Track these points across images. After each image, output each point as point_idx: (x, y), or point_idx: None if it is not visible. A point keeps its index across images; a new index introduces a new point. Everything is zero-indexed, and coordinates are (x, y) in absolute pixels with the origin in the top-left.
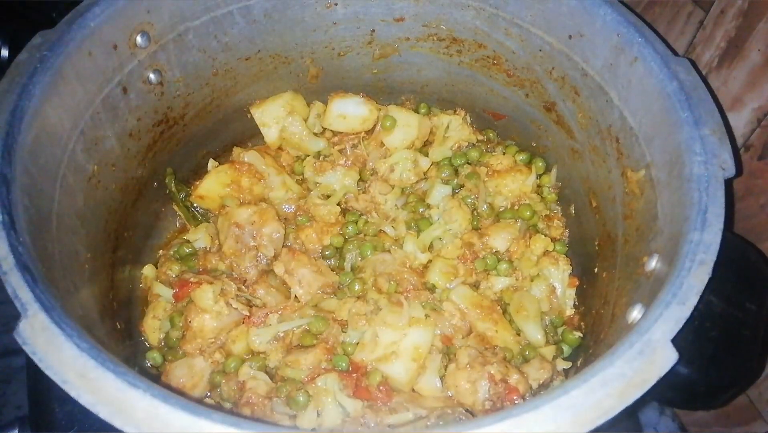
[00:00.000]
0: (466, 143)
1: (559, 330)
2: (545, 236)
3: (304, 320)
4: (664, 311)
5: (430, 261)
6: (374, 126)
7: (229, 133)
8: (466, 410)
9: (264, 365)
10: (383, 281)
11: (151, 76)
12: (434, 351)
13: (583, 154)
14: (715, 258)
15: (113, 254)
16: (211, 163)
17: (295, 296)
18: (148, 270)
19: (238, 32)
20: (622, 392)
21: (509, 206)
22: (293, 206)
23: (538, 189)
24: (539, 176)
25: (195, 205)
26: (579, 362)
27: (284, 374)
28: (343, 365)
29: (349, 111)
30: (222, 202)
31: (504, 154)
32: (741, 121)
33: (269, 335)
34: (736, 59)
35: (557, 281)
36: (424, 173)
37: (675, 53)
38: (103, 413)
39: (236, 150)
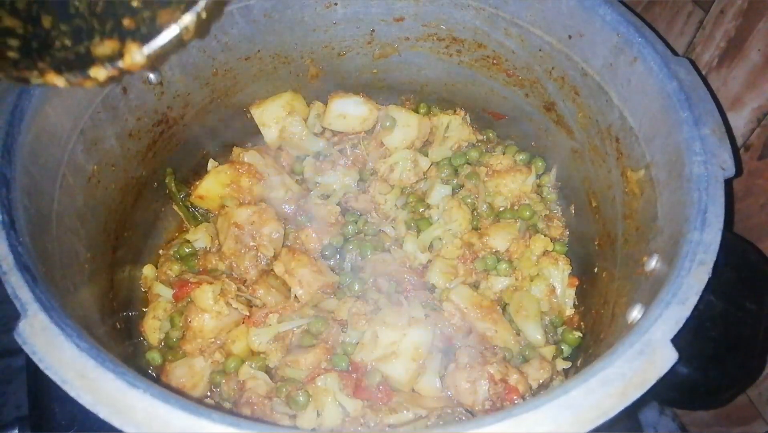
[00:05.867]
0: (466, 143)
1: (559, 330)
2: (545, 235)
3: (304, 320)
4: (664, 311)
5: (430, 261)
6: (374, 126)
7: (229, 133)
8: (466, 410)
9: (264, 365)
10: (383, 280)
11: (151, 76)
12: (434, 351)
13: (583, 154)
14: (714, 258)
15: (113, 254)
16: (211, 163)
17: (295, 296)
18: (148, 270)
19: (238, 32)
20: (622, 392)
21: (509, 206)
22: (293, 206)
23: (538, 189)
24: (539, 176)
25: (195, 205)
26: (579, 362)
27: (284, 374)
28: (343, 365)
29: (349, 111)
30: (222, 202)
31: (504, 154)
32: (741, 121)
33: (269, 335)
34: (736, 59)
35: (557, 281)
36: (424, 173)
37: (675, 53)
38: (103, 413)
39: (236, 150)
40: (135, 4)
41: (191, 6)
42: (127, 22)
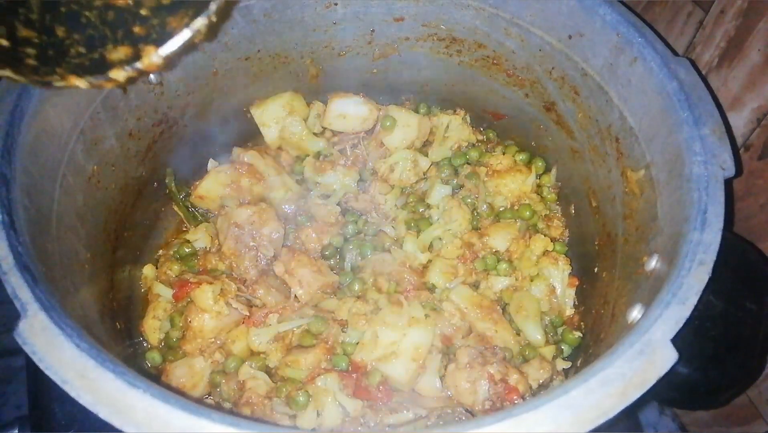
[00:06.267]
0: (466, 143)
1: (559, 330)
2: (545, 236)
3: (304, 320)
4: (664, 311)
5: (430, 261)
6: (374, 126)
7: (229, 133)
8: (466, 410)
9: (264, 365)
10: (383, 280)
11: (151, 76)
12: (434, 351)
13: (583, 154)
14: (714, 258)
15: (113, 254)
16: (211, 163)
17: (295, 296)
18: (148, 270)
19: (238, 32)
20: (622, 392)
21: (509, 206)
22: (293, 206)
23: (538, 189)
24: (539, 176)
25: (195, 205)
26: (579, 362)
27: (284, 374)
28: (343, 365)
29: (349, 111)
30: (222, 202)
31: (504, 154)
32: (741, 121)
33: (269, 335)
34: (736, 59)
35: (557, 281)
36: (424, 173)
37: (675, 53)
38: (103, 413)
39: (236, 150)
40: (144, 12)
41: (199, 11)
42: (137, 29)
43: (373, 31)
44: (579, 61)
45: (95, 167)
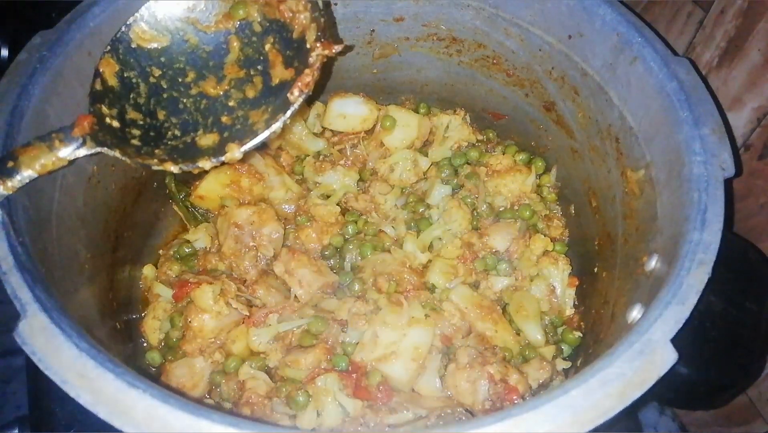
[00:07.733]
0: (466, 143)
1: (559, 330)
2: (545, 235)
3: (304, 320)
4: (664, 311)
5: (430, 261)
6: (374, 126)
7: None
8: (466, 410)
9: (264, 365)
10: (383, 280)
11: None
12: (434, 351)
13: (583, 154)
14: (714, 258)
15: (113, 254)
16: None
17: (295, 296)
18: (148, 270)
19: None
20: (621, 392)
21: (509, 206)
22: (293, 206)
23: (538, 189)
24: (539, 176)
25: (195, 205)
26: (579, 362)
27: (284, 374)
28: (343, 365)
29: (349, 111)
30: (222, 202)
31: (504, 154)
32: (741, 121)
33: (269, 335)
34: (735, 59)
35: (557, 281)
36: (424, 173)
37: (675, 53)
38: (103, 413)
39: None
40: (231, 104)
41: (277, 108)
42: (224, 119)
43: (373, 31)
44: (579, 61)
45: (95, 167)
